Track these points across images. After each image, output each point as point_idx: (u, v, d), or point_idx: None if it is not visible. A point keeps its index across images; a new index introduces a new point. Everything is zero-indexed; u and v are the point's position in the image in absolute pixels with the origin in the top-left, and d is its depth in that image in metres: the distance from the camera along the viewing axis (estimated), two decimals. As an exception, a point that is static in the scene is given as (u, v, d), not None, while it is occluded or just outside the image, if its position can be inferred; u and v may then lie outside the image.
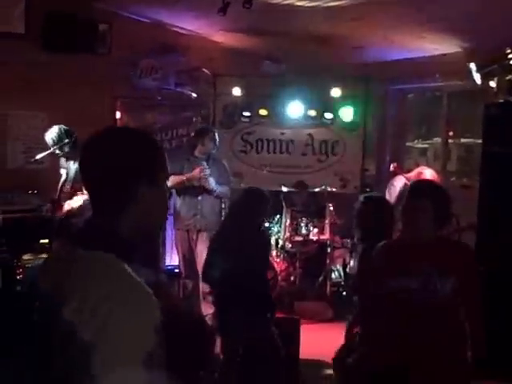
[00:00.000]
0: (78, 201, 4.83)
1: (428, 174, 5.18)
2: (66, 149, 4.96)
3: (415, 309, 2.50)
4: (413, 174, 5.23)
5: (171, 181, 5.05)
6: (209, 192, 5.26)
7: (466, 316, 2.54)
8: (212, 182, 5.23)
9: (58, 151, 4.97)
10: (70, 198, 4.88)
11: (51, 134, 4.90)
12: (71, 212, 4.84)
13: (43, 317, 1.23)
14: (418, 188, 2.68)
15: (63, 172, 5.03)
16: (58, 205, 4.95)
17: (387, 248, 2.78)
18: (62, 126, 4.94)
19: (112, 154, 1.27)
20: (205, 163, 5.27)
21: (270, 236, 5.87)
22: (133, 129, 1.41)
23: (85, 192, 4.79)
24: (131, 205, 1.27)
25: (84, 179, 1.31)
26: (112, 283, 1.17)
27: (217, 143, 5.43)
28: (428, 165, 7.26)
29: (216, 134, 5.46)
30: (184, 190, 5.31)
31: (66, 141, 4.91)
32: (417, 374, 2.45)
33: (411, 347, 2.50)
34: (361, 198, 3.61)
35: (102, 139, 1.32)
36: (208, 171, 5.21)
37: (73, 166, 4.99)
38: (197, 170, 5.21)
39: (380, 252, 2.77)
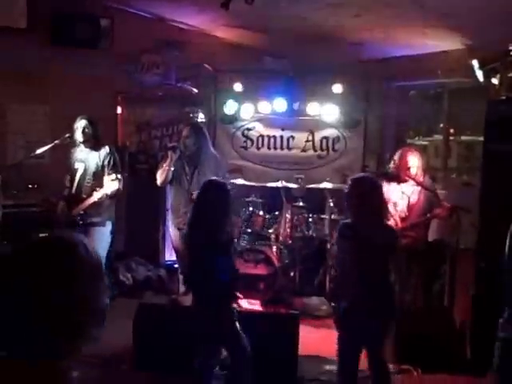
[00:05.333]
0: (111, 186, 4.78)
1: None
2: (92, 141, 4.97)
3: None
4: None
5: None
6: None
7: None
8: None
9: (83, 140, 4.95)
10: (91, 193, 4.83)
11: (84, 125, 4.90)
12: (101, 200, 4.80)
13: None
14: None
15: (79, 166, 4.97)
16: (76, 199, 4.89)
17: None
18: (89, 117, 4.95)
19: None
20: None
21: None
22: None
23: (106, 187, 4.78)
24: None
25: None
26: None
27: (196, 139, 5.18)
28: (428, 162, 7.27)
29: (194, 130, 5.23)
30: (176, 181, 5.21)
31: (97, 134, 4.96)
32: None
33: None
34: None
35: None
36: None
37: (93, 159, 4.95)
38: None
39: None
